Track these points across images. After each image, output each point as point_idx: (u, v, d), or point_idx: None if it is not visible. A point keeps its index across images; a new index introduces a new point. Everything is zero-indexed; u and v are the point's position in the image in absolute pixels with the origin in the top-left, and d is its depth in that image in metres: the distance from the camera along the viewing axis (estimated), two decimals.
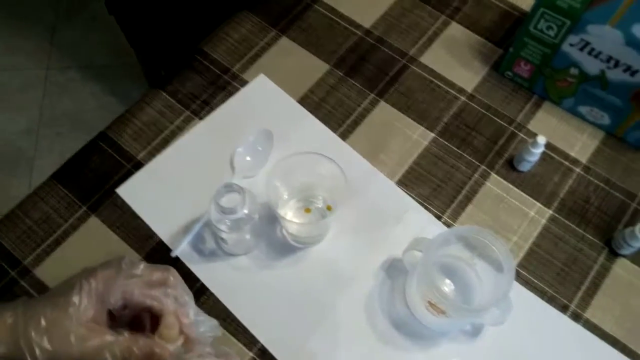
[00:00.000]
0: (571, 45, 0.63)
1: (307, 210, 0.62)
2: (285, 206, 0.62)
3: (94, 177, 0.67)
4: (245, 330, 0.59)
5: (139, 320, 0.49)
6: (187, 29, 0.84)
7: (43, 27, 1.79)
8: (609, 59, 0.61)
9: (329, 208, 0.62)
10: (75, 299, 0.44)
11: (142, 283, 0.46)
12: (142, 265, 0.47)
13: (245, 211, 0.56)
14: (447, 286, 0.60)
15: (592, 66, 0.63)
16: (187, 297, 0.47)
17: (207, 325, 0.48)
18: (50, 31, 1.79)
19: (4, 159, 1.58)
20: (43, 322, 0.43)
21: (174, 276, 0.48)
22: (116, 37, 1.45)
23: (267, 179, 0.55)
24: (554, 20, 0.62)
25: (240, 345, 0.59)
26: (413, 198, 0.66)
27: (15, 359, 0.43)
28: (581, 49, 0.62)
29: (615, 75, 0.62)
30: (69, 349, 0.43)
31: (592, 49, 0.62)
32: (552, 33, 0.63)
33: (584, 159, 0.69)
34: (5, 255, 0.62)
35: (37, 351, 0.42)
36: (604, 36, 0.59)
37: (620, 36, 0.58)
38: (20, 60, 1.74)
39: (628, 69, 0.61)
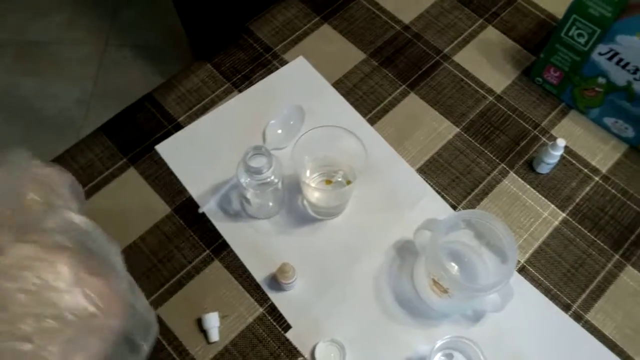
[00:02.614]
0: (600, 54, 0.65)
1: (328, 182, 0.65)
2: (309, 177, 0.66)
3: (137, 133, 0.72)
4: (258, 287, 0.63)
5: None
6: (236, 7, 0.89)
7: (105, 6, 1.89)
8: (636, 70, 0.63)
9: (348, 183, 0.66)
10: None
11: None
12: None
13: (272, 176, 0.60)
14: (452, 269, 0.63)
15: (620, 77, 0.65)
16: None
17: None
18: (111, 10, 1.89)
19: (55, 124, 1.68)
20: None
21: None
22: (172, 20, 1.53)
23: (294, 147, 0.59)
24: (584, 28, 0.64)
25: (252, 300, 0.63)
26: (431, 186, 0.69)
27: None
28: (610, 59, 0.64)
29: None
30: None
31: (621, 59, 0.63)
32: (582, 40, 0.65)
33: (604, 169, 0.71)
34: None
35: None
36: (633, 47, 0.61)
37: None
38: (81, 35, 1.84)
39: None
